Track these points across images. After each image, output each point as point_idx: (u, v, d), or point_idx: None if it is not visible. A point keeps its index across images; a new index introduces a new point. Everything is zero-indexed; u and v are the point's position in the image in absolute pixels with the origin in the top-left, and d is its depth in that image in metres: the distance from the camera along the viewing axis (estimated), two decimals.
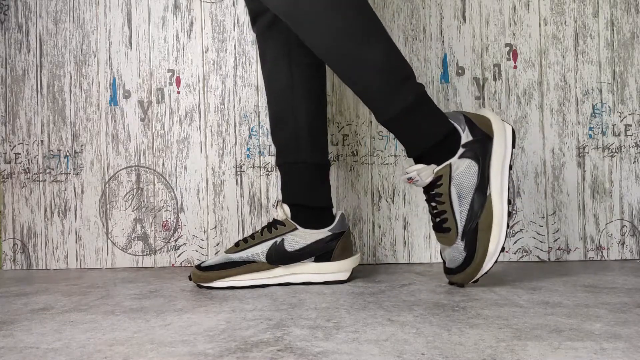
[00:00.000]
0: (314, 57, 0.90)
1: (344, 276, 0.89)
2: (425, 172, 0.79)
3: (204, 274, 0.87)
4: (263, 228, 0.90)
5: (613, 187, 1.08)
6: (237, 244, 0.90)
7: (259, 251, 0.87)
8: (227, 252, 0.89)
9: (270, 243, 0.87)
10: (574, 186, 1.09)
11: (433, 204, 0.81)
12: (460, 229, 0.79)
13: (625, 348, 0.51)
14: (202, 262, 0.89)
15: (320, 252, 0.88)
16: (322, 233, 0.89)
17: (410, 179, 0.80)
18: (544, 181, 1.09)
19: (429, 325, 0.61)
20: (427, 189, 0.81)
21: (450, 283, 0.84)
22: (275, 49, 0.92)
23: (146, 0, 1.16)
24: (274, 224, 0.89)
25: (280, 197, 0.96)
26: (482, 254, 0.78)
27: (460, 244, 0.79)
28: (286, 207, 0.90)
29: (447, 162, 0.79)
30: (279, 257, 0.87)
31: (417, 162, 0.83)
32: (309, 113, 0.92)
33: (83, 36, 1.18)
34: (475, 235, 0.79)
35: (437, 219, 0.81)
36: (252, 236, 0.89)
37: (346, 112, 1.12)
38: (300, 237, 0.88)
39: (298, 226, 0.88)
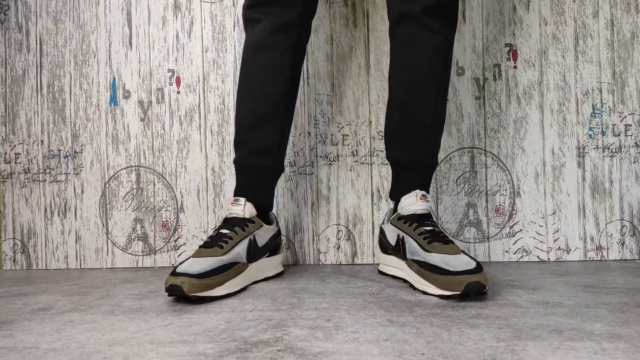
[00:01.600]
0: (301, 62, 0.96)
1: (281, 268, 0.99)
2: (430, 199, 0.90)
3: (203, 282, 0.75)
4: (232, 227, 0.86)
5: (613, 187, 1.08)
6: (219, 245, 0.83)
7: (240, 250, 0.85)
8: (208, 255, 0.80)
9: (246, 241, 0.87)
10: (574, 186, 1.08)
11: (431, 227, 0.84)
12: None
13: (626, 348, 0.51)
14: (184, 269, 0.76)
15: (272, 247, 0.94)
16: (273, 229, 0.95)
17: (424, 196, 0.88)
18: (544, 181, 1.09)
19: (429, 326, 0.61)
20: (425, 217, 0.87)
21: (470, 290, 0.71)
22: (283, 49, 0.91)
23: (146, 0, 1.16)
24: (244, 222, 0.88)
25: (235, 195, 0.93)
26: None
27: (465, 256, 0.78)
28: (252, 206, 0.90)
29: None
30: (255, 253, 0.88)
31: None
32: (291, 119, 0.96)
33: (83, 36, 1.17)
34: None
35: (441, 234, 0.83)
36: (226, 236, 0.85)
37: (346, 112, 1.12)
38: (263, 233, 0.91)
39: (263, 223, 0.91)
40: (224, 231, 0.86)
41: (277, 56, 0.91)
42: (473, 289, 0.70)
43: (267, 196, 0.95)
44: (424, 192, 0.89)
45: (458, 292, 0.71)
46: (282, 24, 0.90)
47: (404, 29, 0.89)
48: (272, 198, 0.96)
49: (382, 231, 0.96)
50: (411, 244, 0.83)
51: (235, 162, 0.94)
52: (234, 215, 0.89)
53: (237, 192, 0.93)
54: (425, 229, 0.83)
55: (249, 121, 0.93)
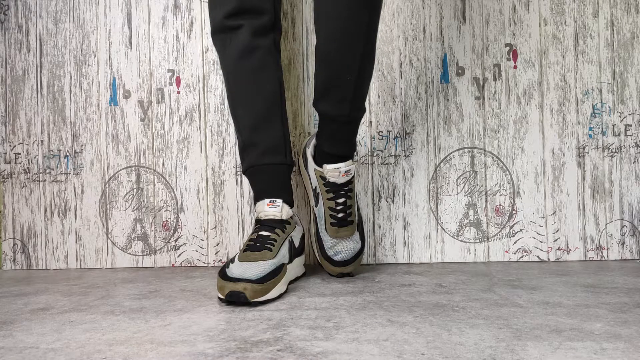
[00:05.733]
0: (280, 58, 0.99)
1: None
2: (353, 168, 0.93)
3: (264, 286, 0.75)
4: (272, 229, 0.86)
5: (613, 187, 1.08)
6: (267, 248, 0.82)
7: (284, 252, 0.85)
8: (259, 259, 0.79)
9: (287, 243, 0.87)
10: (574, 186, 1.09)
11: (343, 199, 0.93)
12: (356, 221, 0.95)
13: (625, 348, 0.51)
14: (240, 274, 0.75)
15: (301, 247, 0.95)
16: (300, 229, 0.96)
17: (348, 172, 0.92)
18: (544, 181, 1.09)
19: (429, 325, 0.61)
20: (344, 185, 0.93)
21: (340, 275, 0.95)
22: (267, 50, 0.94)
23: (146, 0, 1.16)
24: (282, 224, 0.88)
25: (258, 198, 0.94)
26: (364, 244, 0.96)
27: (357, 235, 0.95)
28: (288, 208, 0.90)
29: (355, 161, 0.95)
30: (293, 254, 0.89)
31: (343, 160, 0.93)
32: (286, 115, 0.97)
33: (83, 36, 1.18)
34: (362, 227, 0.97)
35: (344, 214, 0.93)
36: (270, 238, 0.84)
37: None
38: (297, 234, 0.92)
39: (297, 224, 0.93)
40: (265, 233, 0.85)
41: (263, 55, 0.93)
42: (343, 275, 0.94)
43: (290, 193, 0.95)
44: (347, 169, 0.91)
45: (333, 275, 0.95)
46: (261, 26, 0.93)
47: None
48: (292, 194, 0.96)
49: (305, 157, 1.00)
50: (320, 208, 0.95)
51: (248, 166, 0.93)
52: (271, 217, 0.88)
53: (263, 195, 0.91)
54: (337, 202, 0.93)
55: (253, 123, 0.92)
